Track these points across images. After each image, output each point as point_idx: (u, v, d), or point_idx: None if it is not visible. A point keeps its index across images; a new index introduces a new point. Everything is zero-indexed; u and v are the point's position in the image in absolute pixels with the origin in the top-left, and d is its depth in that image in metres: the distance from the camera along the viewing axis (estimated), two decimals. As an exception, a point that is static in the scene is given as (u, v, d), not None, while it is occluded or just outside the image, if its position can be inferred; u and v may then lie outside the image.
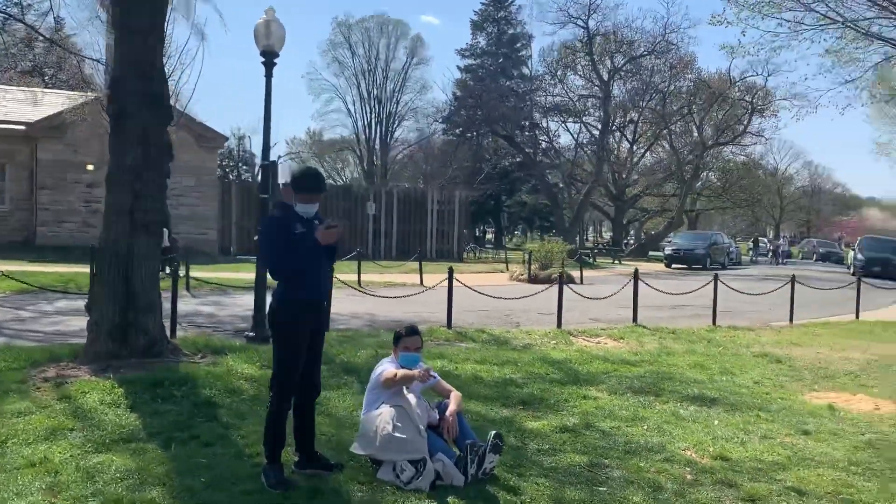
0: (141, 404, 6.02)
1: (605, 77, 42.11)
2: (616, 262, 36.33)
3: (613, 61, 42.31)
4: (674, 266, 33.84)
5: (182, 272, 13.56)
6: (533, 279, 21.04)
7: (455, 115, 48.60)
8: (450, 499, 4.45)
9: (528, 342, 10.66)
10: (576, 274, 21.98)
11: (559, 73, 44.33)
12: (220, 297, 14.75)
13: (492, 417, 6.30)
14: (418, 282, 18.81)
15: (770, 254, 47.60)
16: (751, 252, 47.86)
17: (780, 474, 5.15)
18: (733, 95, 42.67)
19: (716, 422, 6.57)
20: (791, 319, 14.25)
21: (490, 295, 12.90)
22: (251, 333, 9.42)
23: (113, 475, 4.54)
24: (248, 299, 14.11)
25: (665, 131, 44.54)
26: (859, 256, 33.97)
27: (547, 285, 15.35)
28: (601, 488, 4.75)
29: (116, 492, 4.29)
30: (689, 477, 5.04)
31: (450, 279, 11.53)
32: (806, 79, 40.76)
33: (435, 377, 5.09)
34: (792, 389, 8.22)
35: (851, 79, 16.79)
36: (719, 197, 50.42)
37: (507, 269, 24.95)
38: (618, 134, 46.37)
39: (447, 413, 4.99)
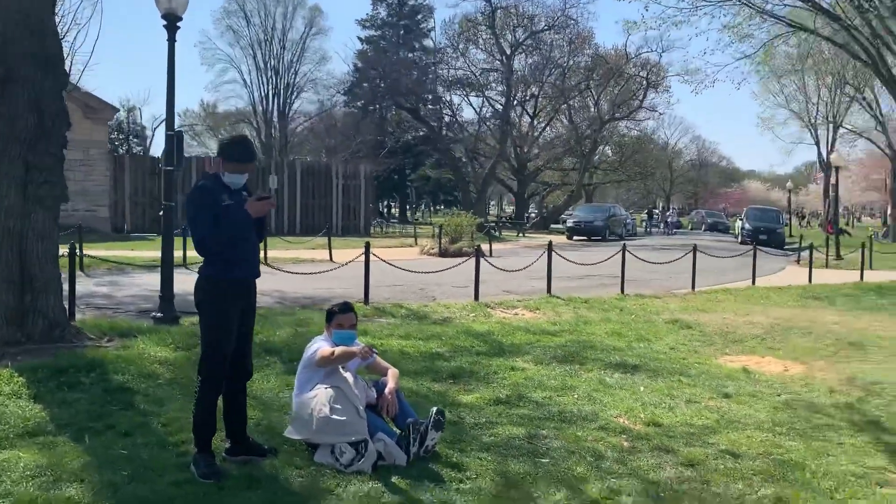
0: (46, 394, 5.53)
1: (508, 51, 42.38)
2: (520, 234, 36.91)
3: (515, 35, 42.63)
4: (575, 238, 34.66)
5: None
6: (443, 253, 21.01)
7: (357, 87, 47.81)
8: (394, 479, 4.29)
9: (447, 315, 10.58)
10: (485, 247, 22.09)
11: (461, 46, 44.28)
12: (117, 277, 13.97)
13: (423, 393, 6.17)
14: (328, 257, 18.42)
15: (662, 224, 49.59)
16: (644, 223, 49.77)
17: (712, 438, 5.27)
18: (629, 71, 43.88)
19: (641, 388, 6.69)
20: (693, 286, 14.81)
21: (404, 269, 12.75)
22: (159, 314, 8.89)
23: (22, 473, 4.12)
24: (149, 278, 13.40)
25: (564, 106, 45.39)
26: (746, 226, 35.79)
27: (462, 259, 15.36)
28: (543, 460, 4.71)
29: (28, 491, 3.90)
30: (626, 444, 5.08)
31: (366, 254, 11.28)
32: (705, 53, 42.44)
33: (375, 354, 4.89)
34: (706, 354, 8.49)
35: (747, 54, 17.48)
36: (615, 171, 51.95)
37: (416, 244, 24.81)
38: (519, 108, 46.89)
39: (386, 391, 4.81)
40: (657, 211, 58.83)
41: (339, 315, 4.89)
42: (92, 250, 14.42)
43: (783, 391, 6.77)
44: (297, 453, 4.62)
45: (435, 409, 4.76)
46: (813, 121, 44.91)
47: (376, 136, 46.29)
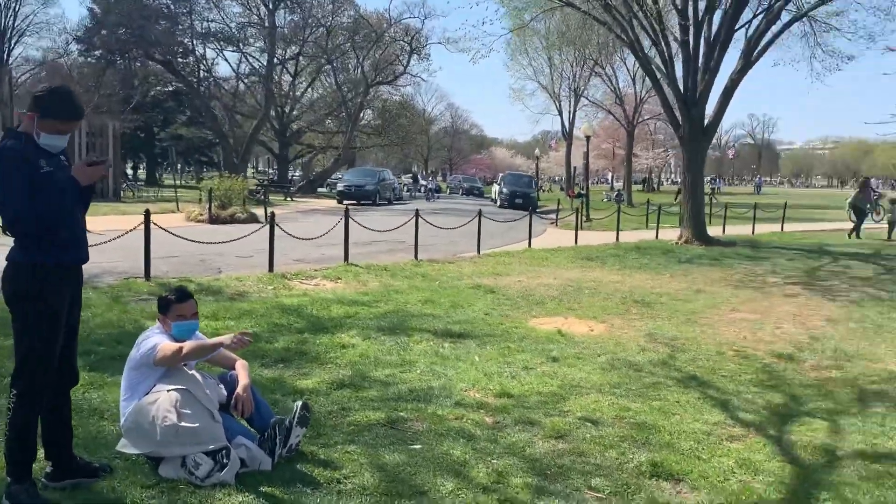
0: None
1: (270, 6, 40.43)
2: (288, 199, 35.80)
3: (277, -11, 40.79)
4: (345, 202, 34.36)
5: None
6: (214, 220, 19.61)
7: (94, 33, 42.78)
8: (263, 488, 3.75)
9: (242, 289, 9.81)
10: (258, 212, 21.05)
11: (214, -4, 41.45)
12: None
13: (258, 382, 5.53)
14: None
15: (423, 189, 51.01)
16: (408, 188, 50.87)
17: (565, 405, 5.32)
18: (391, 35, 44.07)
19: (476, 357, 6.63)
20: (479, 251, 15.27)
21: (183, 238, 11.59)
22: None
23: None
24: None
25: (328, 67, 44.51)
26: (504, 190, 37.87)
27: (242, 225, 14.40)
28: (416, 446, 4.43)
29: None
30: (489, 420, 4.96)
31: (146, 223, 10.09)
32: (484, 23, 44.43)
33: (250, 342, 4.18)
34: (517, 318, 8.69)
35: (520, 25, 18.14)
36: (379, 135, 52.24)
37: (180, 209, 22.93)
38: (280, 67, 45.15)
39: (240, 388, 4.18)
40: (419, 176, 60.39)
41: (178, 304, 4.15)
42: None
43: (601, 352, 7.08)
44: (135, 468, 3.89)
45: (299, 403, 4.27)
46: (558, 92, 48.53)
47: (120, 89, 41.93)
